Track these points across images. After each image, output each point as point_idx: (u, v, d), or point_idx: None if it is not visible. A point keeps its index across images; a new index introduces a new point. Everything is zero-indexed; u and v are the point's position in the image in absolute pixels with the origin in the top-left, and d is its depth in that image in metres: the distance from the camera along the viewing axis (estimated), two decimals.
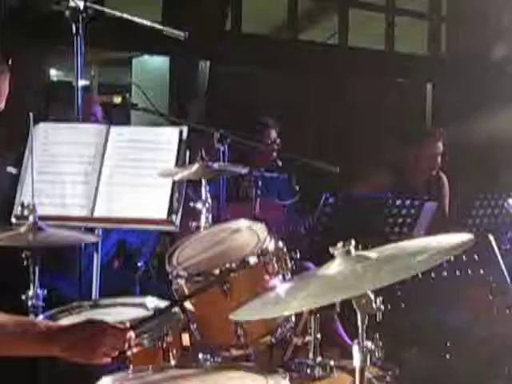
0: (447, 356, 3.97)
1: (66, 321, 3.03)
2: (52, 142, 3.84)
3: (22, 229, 3.16)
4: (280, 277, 2.97)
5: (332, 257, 2.24)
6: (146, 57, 8.68)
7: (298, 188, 5.37)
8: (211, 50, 7.37)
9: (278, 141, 5.57)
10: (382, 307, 2.11)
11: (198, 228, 3.63)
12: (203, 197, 3.68)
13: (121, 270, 4.53)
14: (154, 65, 8.62)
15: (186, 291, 2.97)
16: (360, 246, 2.25)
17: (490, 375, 3.85)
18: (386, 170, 5.61)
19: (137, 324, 2.68)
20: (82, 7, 3.89)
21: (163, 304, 3.14)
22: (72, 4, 3.87)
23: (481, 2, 8.45)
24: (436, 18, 9.56)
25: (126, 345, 2.51)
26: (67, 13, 3.88)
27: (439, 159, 5.70)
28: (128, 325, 2.63)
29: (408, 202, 4.71)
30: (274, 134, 5.59)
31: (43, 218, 3.24)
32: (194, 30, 4.45)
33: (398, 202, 4.72)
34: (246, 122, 5.47)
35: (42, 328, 2.47)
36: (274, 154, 5.43)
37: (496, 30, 8.63)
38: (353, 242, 2.23)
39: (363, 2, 9.03)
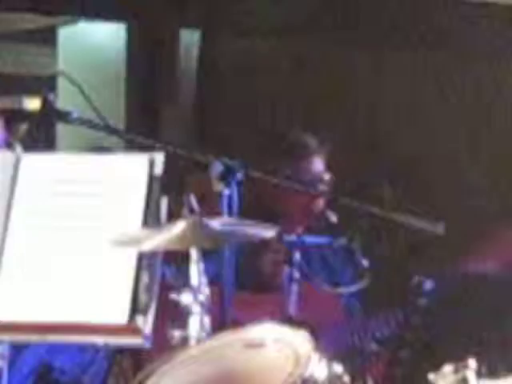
0: None
1: None
2: None
3: None
4: None
5: None
6: (82, 25, 5.77)
7: (366, 264, 3.67)
8: (201, 11, 5.04)
9: (327, 177, 4.03)
10: None
11: (184, 341, 2.78)
12: (194, 283, 2.81)
13: None
14: (98, 39, 6.49)
15: None
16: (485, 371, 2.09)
17: None
18: None
19: None
20: None
21: None
22: None
23: None
24: None
25: None
26: None
27: None
28: None
29: None
30: (318, 164, 4.06)
31: None
32: None
33: None
34: (267, 142, 4.11)
35: None
36: (322, 202, 3.95)
37: None
38: (472, 364, 2.05)
39: None
